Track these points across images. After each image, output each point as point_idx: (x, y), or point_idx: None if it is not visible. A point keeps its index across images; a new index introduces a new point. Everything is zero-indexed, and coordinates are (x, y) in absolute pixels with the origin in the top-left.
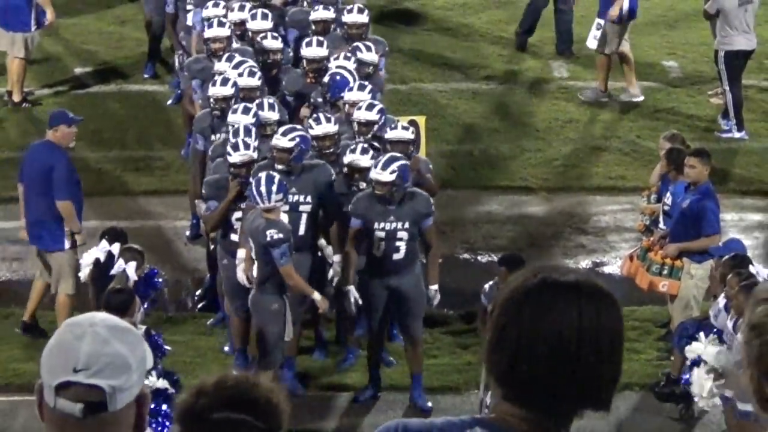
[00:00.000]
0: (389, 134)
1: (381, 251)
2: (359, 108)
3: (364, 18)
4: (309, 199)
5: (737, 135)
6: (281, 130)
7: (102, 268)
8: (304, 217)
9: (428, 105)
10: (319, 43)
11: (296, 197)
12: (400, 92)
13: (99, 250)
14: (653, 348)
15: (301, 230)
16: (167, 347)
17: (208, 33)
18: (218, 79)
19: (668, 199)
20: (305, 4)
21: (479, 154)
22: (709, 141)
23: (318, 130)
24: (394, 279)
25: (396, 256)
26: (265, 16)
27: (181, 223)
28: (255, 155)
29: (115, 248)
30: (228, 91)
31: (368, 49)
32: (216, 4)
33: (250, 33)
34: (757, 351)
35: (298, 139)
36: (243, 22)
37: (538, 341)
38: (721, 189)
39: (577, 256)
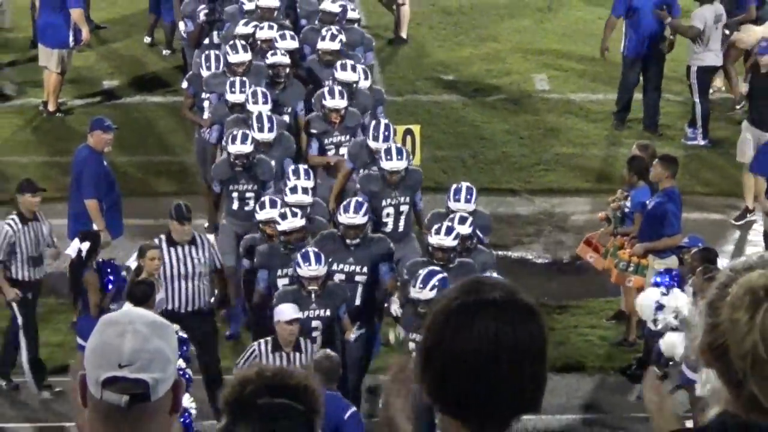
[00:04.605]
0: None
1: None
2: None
3: (335, 45)
4: (365, 270)
5: (702, 142)
6: (353, 205)
7: (75, 263)
8: (360, 288)
9: (423, 115)
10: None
11: (353, 267)
12: (397, 103)
13: (71, 249)
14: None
15: (357, 300)
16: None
17: (233, 58)
18: (238, 135)
19: (628, 201)
20: None
21: (469, 159)
22: (677, 147)
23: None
24: None
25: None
26: (270, 27)
27: (198, 221)
28: (303, 222)
29: (85, 246)
30: (248, 148)
31: (343, 68)
32: (246, 23)
33: (258, 43)
34: (708, 328)
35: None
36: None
37: (459, 361)
38: (687, 191)
39: (557, 251)
